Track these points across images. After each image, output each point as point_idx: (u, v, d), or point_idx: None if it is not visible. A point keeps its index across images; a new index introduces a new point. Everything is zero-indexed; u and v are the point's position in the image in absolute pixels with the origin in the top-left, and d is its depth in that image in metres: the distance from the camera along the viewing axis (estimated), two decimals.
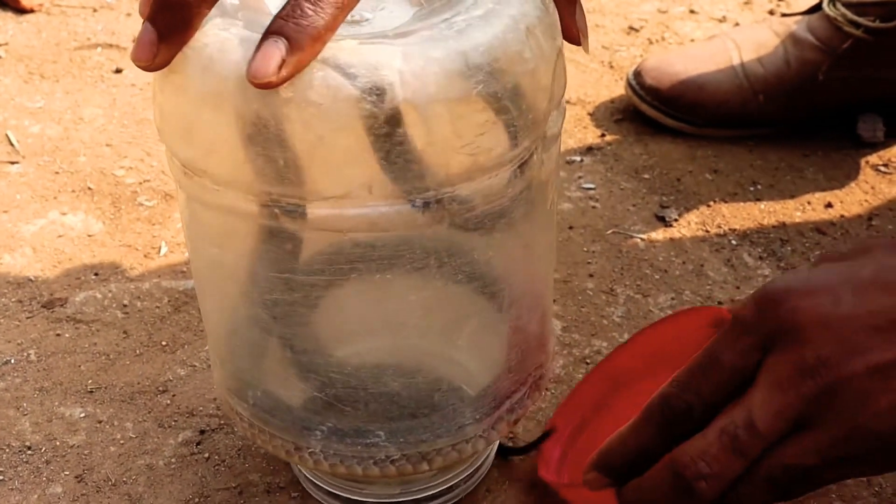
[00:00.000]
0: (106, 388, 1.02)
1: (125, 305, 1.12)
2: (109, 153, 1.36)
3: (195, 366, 1.04)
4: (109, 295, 1.13)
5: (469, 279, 0.73)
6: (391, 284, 0.71)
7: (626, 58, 1.57)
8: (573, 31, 0.73)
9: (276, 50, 0.60)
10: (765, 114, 1.36)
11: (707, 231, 1.23)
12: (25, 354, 1.06)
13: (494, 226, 0.71)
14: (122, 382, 1.03)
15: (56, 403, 1.01)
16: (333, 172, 0.65)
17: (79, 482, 0.93)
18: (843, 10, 1.31)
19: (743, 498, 0.65)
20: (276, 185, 0.66)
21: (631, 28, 1.64)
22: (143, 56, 0.64)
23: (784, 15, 1.43)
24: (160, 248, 1.20)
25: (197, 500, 0.91)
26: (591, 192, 1.29)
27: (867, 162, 1.34)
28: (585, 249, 1.20)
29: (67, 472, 0.94)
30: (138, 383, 1.03)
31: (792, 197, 1.28)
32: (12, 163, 1.35)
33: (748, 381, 0.65)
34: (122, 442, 0.97)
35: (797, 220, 1.24)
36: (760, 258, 1.18)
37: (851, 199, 1.27)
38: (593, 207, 1.27)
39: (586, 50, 0.76)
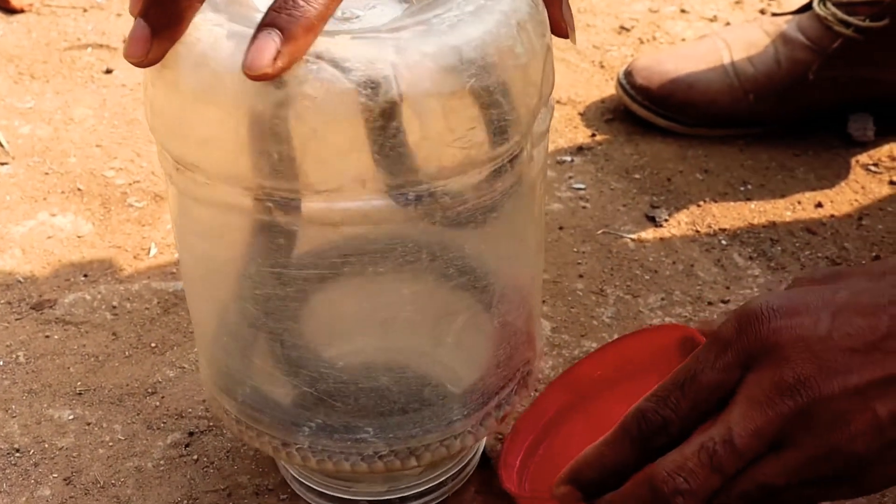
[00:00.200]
0: (95, 390, 1.02)
1: (114, 307, 1.12)
2: (99, 154, 1.36)
3: (184, 367, 1.04)
4: (99, 296, 1.13)
5: (459, 274, 0.73)
6: (383, 279, 0.71)
7: (616, 57, 1.57)
8: (561, 25, 0.74)
9: (271, 42, 0.61)
10: (755, 113, 1.36)
11: (697, 231, 1.23)
12: (14, 356, 1.06)
13: (485, 220, 0.72)
14: (111, 384, 1.03)
15: (45, 405, 1.00)
16: (327, 166, 0.66)
17: (67, 484, 0.93)
18: (834, 9, 1.31)
19: None
20: (270, 179, 0.66)
21: (622, 27, 1.64)
22: (136, 52, 0.65)
23: (774, 14, 1.43)
24: (150, 249, 1.20)
25: (186, 502, 0.91)
26: (582, 192, 1.29)
27: (857, 161, 1.34)
28: (575, 250, 1.20)
29: (56, 475, 0.94)
30: (127, 385, 1.03)
31: (782, 196, 1.29)
32: (2, 164, 1.34)
33: (726, 399, 0.65)
34: (110, 444, 0.97)
35: (787, 219, 1.25)
36: (750, 258, 1.19)
37: (842, 199, 1.27)
38: (583, 208, 1.27)
39: (574, 42, 0.76)
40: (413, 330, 0.77)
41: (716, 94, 1.36)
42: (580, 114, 1.44)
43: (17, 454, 0.96)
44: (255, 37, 0.61)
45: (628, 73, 1.41)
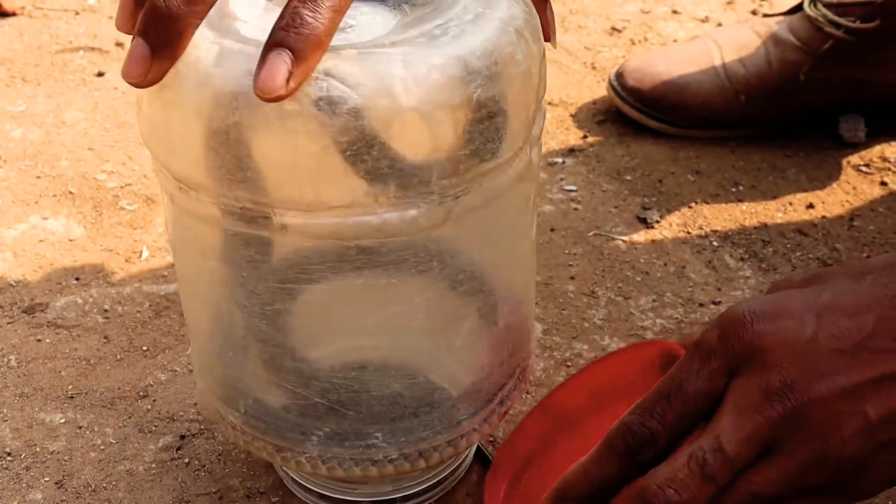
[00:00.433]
0: (86, 393, 1.02)
1: (106, 310, 1.12)
2: (91, 157, 1.36)
3: (176, 371, 1.04)
4: (90, 300, 1.13)
5: (468, 278, 0.74)
6: (395, 288, 0.71)
7: (608, 59, 1.57)
8: (547, 30, 0.74)
9: (283, 63, 0.60)
10: (746, 114, 1.36)
11: (689, 232, 1.23)
12: (6, 360, 1.06)
13: (494, 225, 0.73)
14: (102, 388, 1.03)
15: (36, 409, 1.01)
16: (339, 181, 0.66)
17: (59, 488, 0.93)
18: (824, 10, 1.31)
19: None
20: (280, 196, 0.66)
21: (613, 29, 1.64)
22: (136, 72, 0.64)
23: (766, 15, 1.43)
24: (141, 252, 1.20)
25: None
26: (573, 194, 1.29)
27: (849, 162, 1.34)
28: (567, 252, 1.20)
29: (47, 479, 0.94)
30: (119, 388, 1.03)
31: (774, 198, 1.29)
32: None
33: (713, 408, 0.64)
34: (102, 447, 0.97)
35: (779, 220, 1.25)
36: (742, 259, 1.19)
37: (833, 200, 1.28)
38: (575, 209, 1.27)
39: (554, 46, 0.76)
40: (424, 336, 0.78)
41: (707, 96, 1.36)
42: (572, 115, 1.45)
43: (9, 458, 0.96)
44: (264, 58, 0.61)
45: (620, 75, 1.41)
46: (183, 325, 1.08)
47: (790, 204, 1.28)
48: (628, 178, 1.33)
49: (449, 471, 0.92)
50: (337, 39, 0.64)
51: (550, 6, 0.75)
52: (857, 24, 1.29)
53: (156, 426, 0.99)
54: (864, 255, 1.18)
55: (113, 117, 1.43)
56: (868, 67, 1.32)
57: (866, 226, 1.23)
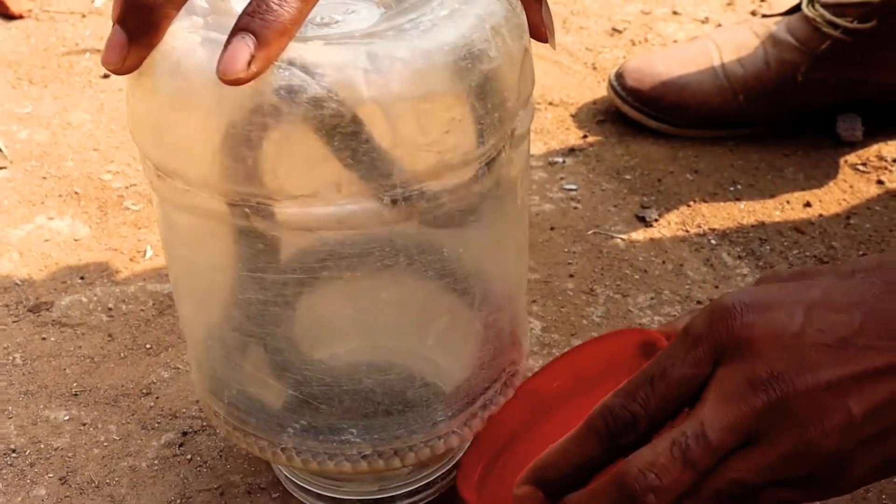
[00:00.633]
0: (90, 390, 1.03)
1: (110, 309, 1.13)
2: (97, 158, 1.38)
3: (179, 368, 1.05)
4: (95, 299, 1.15)
5: (439, 276, 0.73)
6: (361, 283, 0.71)
7: (609, 59, 1.58)
8: (541, 30, 0.74)
9: (245, 46, 0.61)
10: (745, 114, 1.37)
11: (687, 231, 1.24)
12: (11, 358, 1.07)
13: (463, 223, 0.72)
14: (106, 385, 1.04)
15: (41, 406, 1.02)
16: (301, 171, 0.66)
17: (62, 484, 0.94)
18: (822, 11, 1.32)
19: None
20: (244, 185, 0.67)
21: (614, 30, 1.65)
22: (113, 59, 0.65)
23: (765, 16, 1.44)
24: (145, 251, 1.21)
25: (179, 501, 0.92)
26: (573, 193, 1.30)
27: (846, 161, 1.35)
28: (566, 250, 1.21)
29: (51, 475, 0.95)
30: (122, 386, 1.04)
31: (771, 196, 1.30)
32: (0, 168, 1.36)
33: (696, 395, 0.64)
34: (105, 444, 0.98)
35: (776, 219, 1.26)
36: (739, 257, 1.20)
37: (830, 199, 1.28)
38: (575, 208, 1.28)
39: (553, 47, 0.76)
40: (394, 332, 0.77)
41: (706, 96, 1.37)
42: (572, 115, 1.46)
43: (14, 454, 0.97)
44: (228, 41, 0.61)
45: (619, 76, 1.42)
46: None
47: (788, 202, 1.28)
48: (628, 177, 1.34)
49: (450, 467, 0.91)
50: (319, 33, 0.65)
51: (547, 7, 0.74)
52: (855, 25, 1.30)
53: (158, 423, 1.00)
54: (861, 252, 1.19)
55: (118, 119, 1.45)
56: (865, 68, 1.33)
57: (863, 224, 1.24)
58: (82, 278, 1.18)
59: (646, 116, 1.40)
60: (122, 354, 1.08)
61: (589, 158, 1.37)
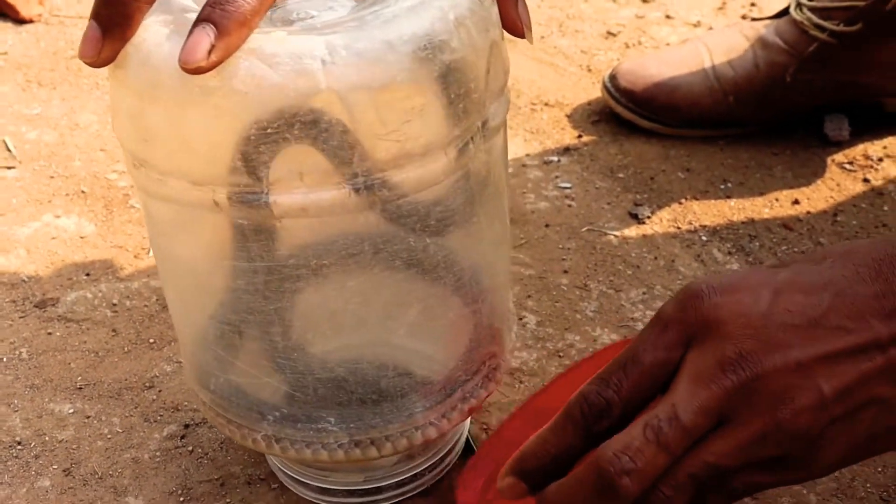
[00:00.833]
0: (94, 384, 1.05)
1: (114, 304, 1.15)
2: (103, 158, 1.40)
3: (180, 362, 1.06)
4: (100, 294, 1.16)
5: (407, 266, 0.73)
6: (328, 271, 0.71)
7: (603, 61, 1.59)
8: (517, 25, 0.73)
9: (205, 36, 0.62)
10: (735, 115, 1.39)
11: (678, 228, 1.26)
12: (17, 353, 1.09)
13: (430, 213, 0.71)
14: (110, 379, 1.05)
15: (46, 400, 1.03)
16: (262, 160, 0.66)
17: (66, 476, 0.95)
18: (810, 14, 1.33)
19: (664, 499, 0.64)
20: (210, 174, 0.67)
21: (609, 33, 1.67)
22: (88, 51, 0.67)
23: (754, 20, 1.46)
24: (149, 248, 1.23)
25: (180, 492, 0.93)
26: (568, 191, 1.32)
27: (833, 160, 1.36)
28: (561, 246, 1.23)
29: (56, 466, 0.96)
30: (126, 379, 1.05)
31: (761, 194, 1.31)
32: (9, 168, 1.38)
33: (669, 378, 0.64)
34: (109, 436, 0.99)
35: (765, 216, 1.27)
36: (729, 253, 1.21)
37: (818, 196, 1.30)
38: (569, 206, 1.30)
39: (530, 41, 0.76)
40: (362, 322, 0.76)
41: (697, 97, 1.38)
42: (567, 116, 1.47)
43: (19, 447, 0.98)
44: (190, 32, 0.62)
45: (613, 77, 1.44)
46: None
47: (776, 200, 1.30)
48: (621, 175, 1.35)
49: (437, 459, 0.91)
50: (289, 28, 0.66)
51: (523, 2, 0.74)
52: (841, 28, 1.31)
53: (161, 416, 1.01)
54: None
55: None
56: (851, 69, 1.34)
57: (849, 220, 1.26)
58: (88, 275, 1.19)
59: (639, 117, 1.42)
60: (125, 349, 1.09)
61: (583, 157, 1.39)
